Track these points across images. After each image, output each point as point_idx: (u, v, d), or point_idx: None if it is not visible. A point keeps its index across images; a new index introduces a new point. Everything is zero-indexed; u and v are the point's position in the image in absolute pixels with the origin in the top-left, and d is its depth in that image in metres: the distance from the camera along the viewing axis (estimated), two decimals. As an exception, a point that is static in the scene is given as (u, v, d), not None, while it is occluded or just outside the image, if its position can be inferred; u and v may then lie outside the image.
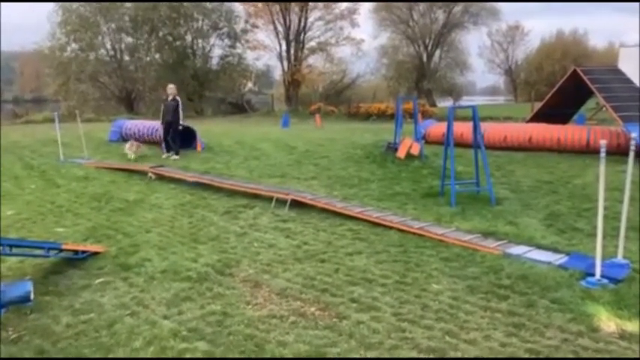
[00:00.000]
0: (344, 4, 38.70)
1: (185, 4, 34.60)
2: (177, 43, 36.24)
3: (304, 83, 38.61)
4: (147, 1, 33.08)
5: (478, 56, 58.38)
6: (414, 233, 6.10)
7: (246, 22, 38.46)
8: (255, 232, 6.51)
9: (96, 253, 5.73)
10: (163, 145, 12.51)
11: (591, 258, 4.85)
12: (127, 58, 36.03)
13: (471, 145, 8.39)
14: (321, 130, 19.10)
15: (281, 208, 7.44)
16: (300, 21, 38.03)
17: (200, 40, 37.78)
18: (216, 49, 38.79)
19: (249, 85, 42.23)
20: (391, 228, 6.33)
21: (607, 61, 36.80)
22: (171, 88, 12.68)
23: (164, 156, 12.20)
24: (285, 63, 38.51)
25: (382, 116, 27.14)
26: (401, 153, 10.77)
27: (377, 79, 47.40)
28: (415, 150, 10.82)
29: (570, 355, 3.49)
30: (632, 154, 4.87)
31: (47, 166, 11.43)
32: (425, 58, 47.29)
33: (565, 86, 13.49)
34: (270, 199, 7.78)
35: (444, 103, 42.79)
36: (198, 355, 3.61)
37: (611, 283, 4.47)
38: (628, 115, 10.87)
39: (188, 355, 3.61)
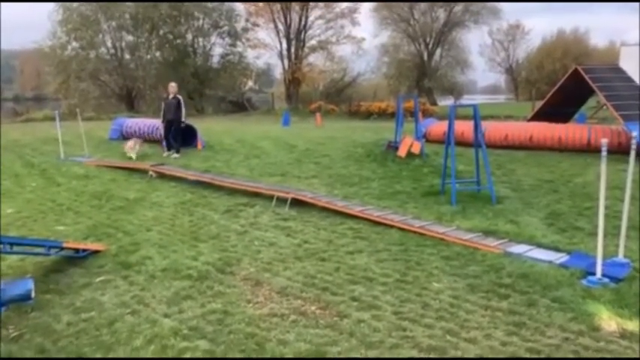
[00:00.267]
0: (344, 3, 38.77)
1: (186, 2, 34.59)
2: (178, 41, 36.23)
3: (305, 82, 38.57)
4: (148, 0, 33.08)
5: (479, 55, 58.77)
6: (414, 232, 6.10)
7: (247, 20, 38.49)
8: (255, 230, 6.51)
9: (96, 252, 5.73)
10: (164, 143, 12.51)
11: (592, 257, 4.85)
12: (127, 56, 36.04)
13: (472, 144, 8.38)
14: (321, 129, 19.09)
15: (281, 206, 7.44)
16: (300, 19, 38.02)
17: (201, 39, 37.81)
18: (217, 48, 38.90)
19: (250, 83, 42.31)
20: (392, 227, 6.33)
21: (608, 59, 36.73)
22: (172, 87, 12.68)
23: (165, 154, 12.19)
24: (286, 61, 38.51)
25: (383, 115, 27.13)
26: (402, 152, 10.77)
27: (377, 78, 47.42)
28: (416, 149, 10.81)
29: (571, 355, 3.48)
30: (633, 153, 4.87)
31: (48, 164, 11.43)
32: (426, 57, 47.26)
33: (566, 85, 13.48)
34: (270, 197, 7.78)
35: (445, 102, 42.73)
36: (199, 353, 3.61)
37: (612, 282, 4.47)
38: (629, 114, 10.85)
39: (189, 354, 3.61)
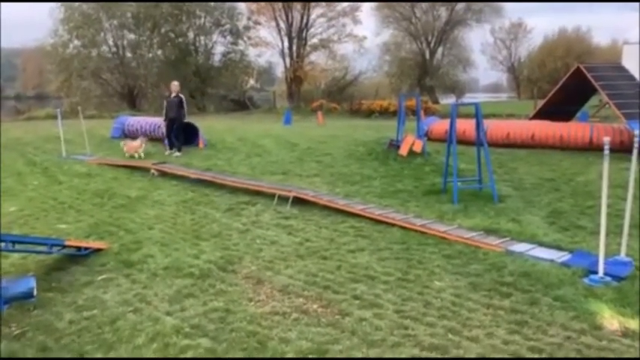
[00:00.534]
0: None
1: (187, 1, 34.58)
2: (180, 39, 36.30)
3: (306, 80, 38.53)
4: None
5: (481, 53, 58.42)
6: (416, 230, 6.10)
7: (249, 18, 38.54)
8: (257, 229, 6.51)
9: (98, 250, 5.74)
10: (166, 141, 12.53)
11: (594, 256, 4.84)
12: (129, 54, 36.06)
13: (474, 143, 8.37)
14: (323, 127, 19.08)
15: (283, 205, 7.44)
16: (302, 18, 37.97)
17: (202, 37, 37.87)
18: (219, 46, 38.98)
19: (251, 82, 42.26)
20: (393, 225, 6.32)
21: (610, 58, 36.61)
22: (175, 85, 12.70)
23: (167, 153, 12.21)
24: (288, 60, 38.49)
25: (384, 113, 27.11)
26: (403, 150, 10.75)
27: (379, 76, 47.37)
28: (417, 147, 10.80)
29: (573, 354, 3.48)
30: (635, 152, 4.86)
31: (49, 162, 11.45)
32: (427, 55, 47.23)
33: (568, 83, 13.44)
34: (272, 196, 7.78)
35: (447, 100, 42.72)
36: (201, 351, 3.62)
37: (614, 281, 4.47)
38: (631, 113, 10.81)
39: (190, 352, 3.62)
